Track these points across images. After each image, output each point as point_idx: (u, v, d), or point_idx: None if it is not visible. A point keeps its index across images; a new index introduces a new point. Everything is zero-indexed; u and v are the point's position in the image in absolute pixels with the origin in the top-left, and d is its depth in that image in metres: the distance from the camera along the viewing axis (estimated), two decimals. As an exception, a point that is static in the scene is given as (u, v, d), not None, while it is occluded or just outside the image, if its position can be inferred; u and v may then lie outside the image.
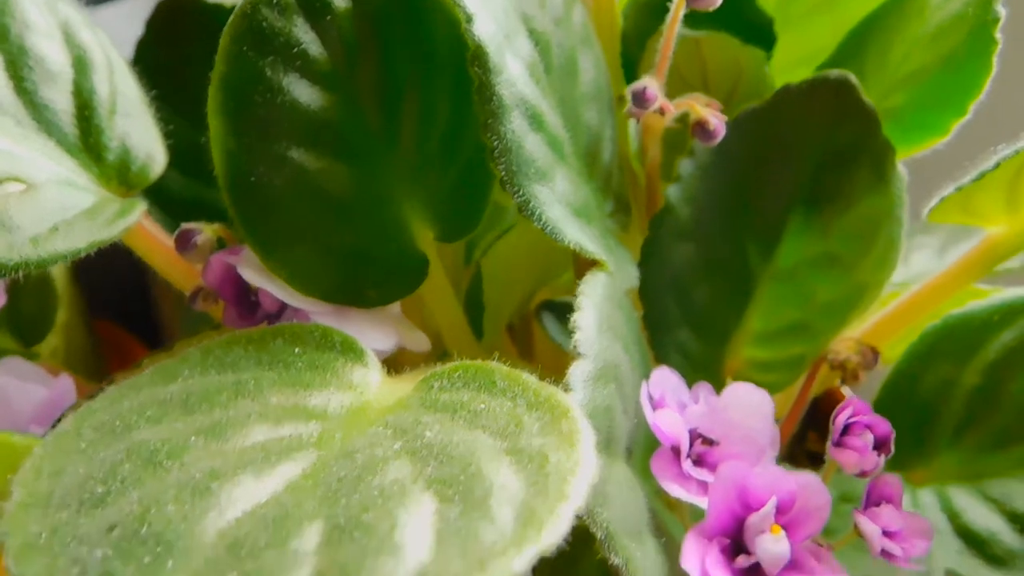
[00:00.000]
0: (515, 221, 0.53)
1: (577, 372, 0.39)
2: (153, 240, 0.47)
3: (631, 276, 0.50)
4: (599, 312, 0.42)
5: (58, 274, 0.63)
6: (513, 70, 0.44)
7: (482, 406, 0.38)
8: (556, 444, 0.35)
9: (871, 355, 0.57)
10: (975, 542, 0.53)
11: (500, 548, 0.31)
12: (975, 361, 0.56)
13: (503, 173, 0.43)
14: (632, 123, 0.57)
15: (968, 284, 0.55)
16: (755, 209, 0.54)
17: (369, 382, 0.40)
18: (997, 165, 0.46)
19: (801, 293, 0.55)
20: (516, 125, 0.44)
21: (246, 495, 0.33)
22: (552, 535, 0.32)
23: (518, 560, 0.31)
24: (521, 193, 0.44)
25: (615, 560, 0.38)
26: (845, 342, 0.57)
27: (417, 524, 0.32)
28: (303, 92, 0.42)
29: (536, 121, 0.45)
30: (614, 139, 0.54)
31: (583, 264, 0.47)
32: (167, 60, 0.56)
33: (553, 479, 0.33)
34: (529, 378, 0.39)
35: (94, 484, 0.34)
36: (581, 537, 0.51)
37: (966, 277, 0.54)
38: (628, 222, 0.54)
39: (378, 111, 0.44)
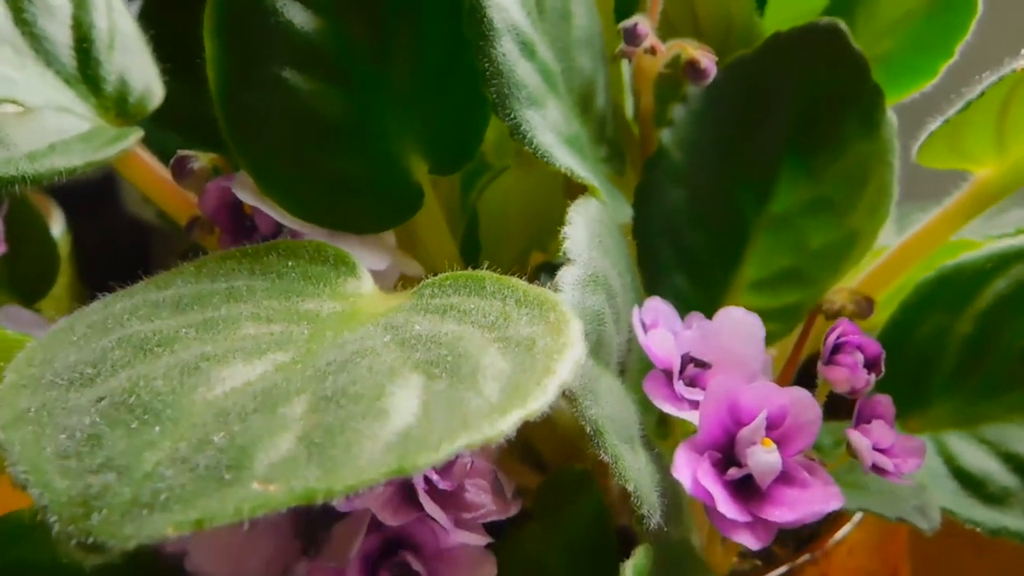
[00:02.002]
0: (510, 162, 0.53)
1: (566, 275, 0.40)
2: (149, 170, 0.47)
3: (624, 212, 0.50)
4: (590, 228, 0.43)
5: (60, 240, 0.64)
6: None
7: (472, 306, 0.38)
8: (544, 332, 0.35)
9: (866, 304, 0.57)
10: (970, 483, 0.53)
11: (485, 412, 0.31)
12: (969, 310, 0.56)
13: (495, 96, 0.44)
14: (626, 74, 0.58)
15: (959, 228, 0.55)
16: (748, 155, 0.54)
17: (362, 292, 0.41)
18: (982, 93, 0.47)
19: (795, 239, 0.55)
20: (507, 49, 0.44)
21: (235, 375, 0.34)
22: (537, 404, 0.32)
23: (502, 422, 0.31)
24: (512, 117, 0.44)
25: (604, 458, 0.38)
26: (840, 292, 0.57)
27: (404, 394, 0.32)
28: (297, 15, 0.43)
29: (527, 49, 0.46)
30: (607, 88, 0.54)
31: (575, 193, 0.47)
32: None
33: (540, 358, 0.34)
34: (518, 281, 0.39)
35: (84, 367, 0.34)
36: (576, 479, 0.52)
37: (956, 221, 0.55)
38: (623, 169, 0.55)
39: (370, 38, 0.45)
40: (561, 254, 0.41)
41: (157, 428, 0.31)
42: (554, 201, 0.55)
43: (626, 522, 0.56)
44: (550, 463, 0.58)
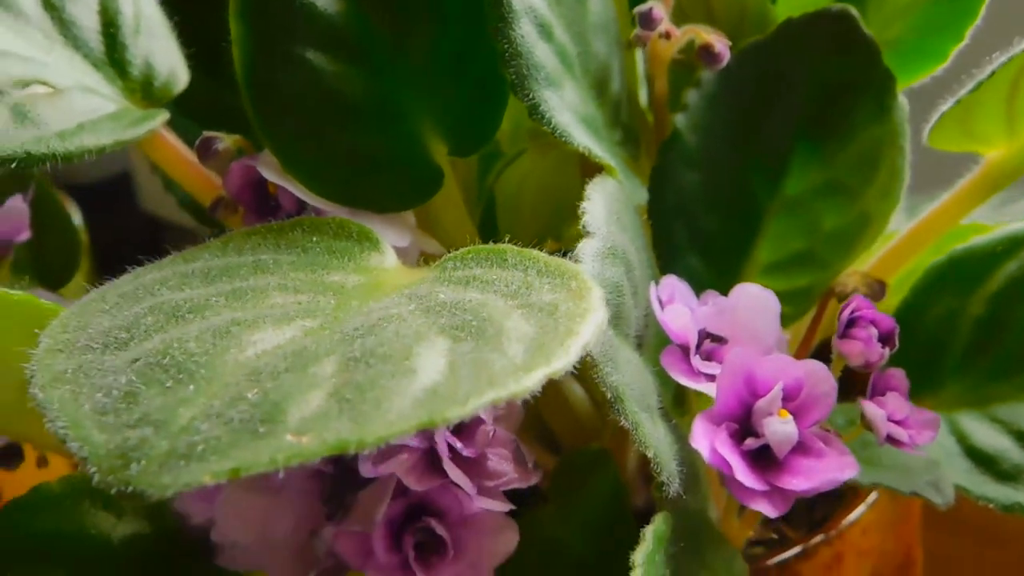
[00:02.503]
0: (526, 146, 0.54)
1: (586, 247, 0.40)
2: (174, 152, 0.48)
3: (639, 194, 0.51)
4: (608, 204, 0.44)
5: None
6: (522, -20, 0.46)
7: (494, 276, 0.39)
8: (566, 298, 0.36)
9: (878, 287, 0.57)
10: (983, 460, 0.54)
11: (510, 371, 0.32)
12: (980, 292, 0.57)
13: (514, 76, 0.45)
14: (639, 63, 0.58)
15: (970, 211, 0.56)
16: (761, 139, 0.55)
17: (385, 266, 0.42)
18: (993, 73, 0.47)
19: (808, 222, 0.56)
20: (526, 31, 0.45)
21: (265, 338, 0.34)
22: (561, 363, 0.32)
23: (527, 379, 0.31)
24: (531, 96, 0.45)
25: (624, 423, 0.39)
26: (853, 275, 0.58)
27: (430, 355, 0.33)
28: (320, -2, 0.44)
29: (545, 31, 0.47)
30: (622, 73, 0.55)
31: (591, 176, 0.48)
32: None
33: (563, 321, 0.35)
34: (539, 253, 0.40)
35: (118, 331, 0.35)
36: (592, 458, 0.53)
37: (967, 204, 0.55)
38: (637, 154, 0.55)
39: (390, 20, 0.46)
40: (580, 227, 0.41)
41: (191, 386, 0.32)
42: (569, 185, 0.56)
43: (641, 503, 0.57)
44: (565, 445, 0.59)
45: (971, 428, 0.55)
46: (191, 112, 0.54)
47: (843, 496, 0.60)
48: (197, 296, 0.37)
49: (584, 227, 0.41)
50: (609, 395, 0.39)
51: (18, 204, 0.52)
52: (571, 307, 0.35)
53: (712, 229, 0.55)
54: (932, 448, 0.54)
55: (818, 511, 0.61)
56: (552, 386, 0.60)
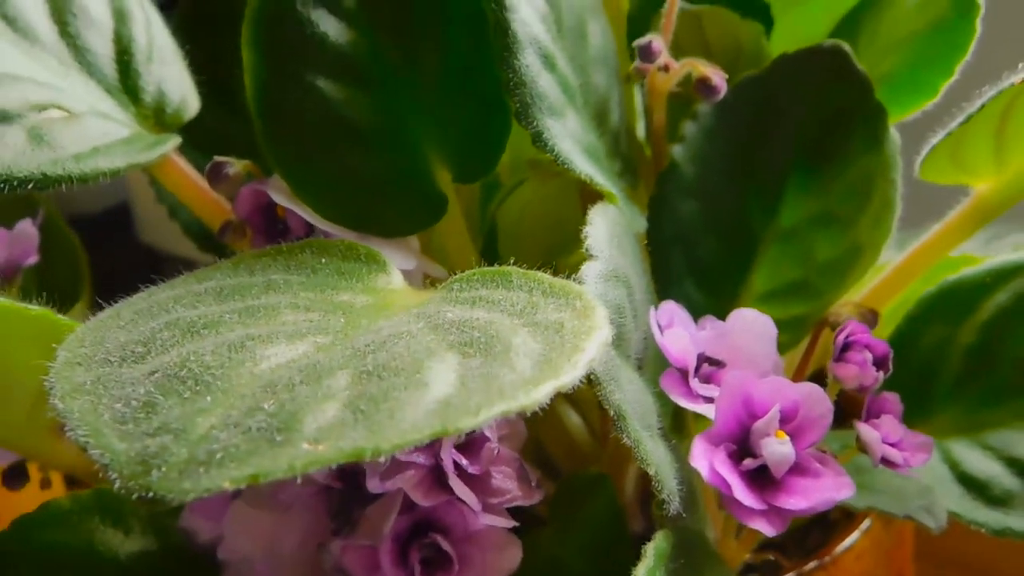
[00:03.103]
0: (527, 175, 0.55)
1: (590, 269, 0.41)
2: (184, 176, 0.49)
3: (638, 223, 0.52)
4: (609, 228, 0.45)
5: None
6: (527, 13, 0.47)
7: (500, 297, 0.40)
8: (571, 316, 0.37)
9: (871, 317, 0.58)
10: (975, 486, 0.54)
11: (519, 384, 0.33)
12: (971, 321, 0.58)
13: (518, 105, 0.46)
14: (637, 98, 0.60)
15: (959, 243, 0.57)
16: (756, 170, 0.56)
17: (393, 288, 0.43)
18: (983, 106, 0.49)
19: (802, 252, 0.57)
20: (530, 61, 0.46)
21: (279, 353, 0.35)
22: (568, 377, 0.33)
23: (536, 392, 0.32)
24: (535, 125, 0.46)
25: (626, 441, 0.40)
26: (846, 305, 0.59)
27: (441, 369, 0.34)
28: (330, 26, 0.46)
29: (548, 62, 0.48)
30: (621, 106, 0.57)
31: (592, 202, 0.49)
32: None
33: (569, 338, 0.35)
34: (544, 275, 0.41)
35: (135, 346, 0.36)
36: (591, 481, 0.53)
37: (957, 236, 0.57)
38: (636, 184, 0.57)
39: (397, 50, 0.47)
40: (583, 250, 0.42)
41: (208, 397, 0.33)
42: (570, 214, 0.57)
43: (638, 529, 0.58)
44: (563, 471, 0.60)
45: (963, 455, 0.56)
46: (199, 142, 0.55)
47: (836, 524, 0.61)
48: (211, 313, 0.38)
49: (587, 249, 0.42)
50: (612, 413, 0.39)
51: (28, 228, 0.53)
52: (576, 325, 0.36)
53: (709, 258, 0.56)
54: (925, 474, 0.55)
55: (812, 539, 0.62)
56: (550, 413, 0.62)
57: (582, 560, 0.51)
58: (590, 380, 0.47)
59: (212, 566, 0.44)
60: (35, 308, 0.39)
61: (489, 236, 0.55)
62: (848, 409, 0.51)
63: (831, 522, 0.62)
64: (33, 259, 0.55)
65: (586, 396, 0.63)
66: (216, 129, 0.55)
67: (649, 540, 0.45)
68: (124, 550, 0.44)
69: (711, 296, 0.56)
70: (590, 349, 0.35)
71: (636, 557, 0.50)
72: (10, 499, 0.55)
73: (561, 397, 0.64)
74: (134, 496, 0.29)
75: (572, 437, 0.62)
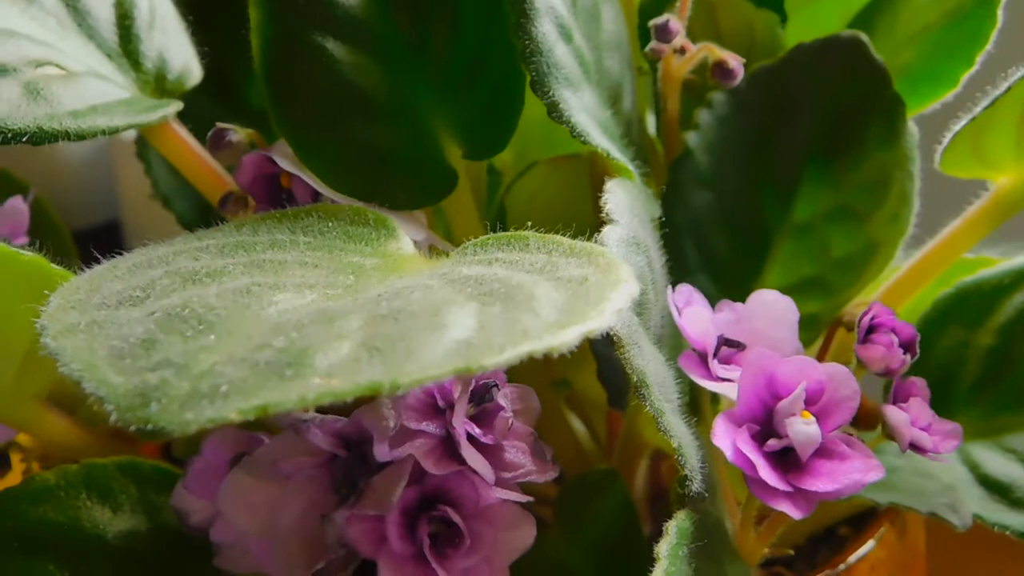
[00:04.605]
0: (537, 158, 0.54)
1: (611, 233, 0.40)
2: (184, 144, 0.47)
3: (653, 207, 0.51)
4: (628, 198, 0.43)
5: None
6: (543, -18, 0.46)
7: (517, 258, 0.38)
8: (595, 272, 0.35)
9: (886, 316, 0.57)
10: (996, 489, 0.53)
11: (545, 327, 0.31)
12: (988, 323, 0.57)
13: (533, 75, 0.45)
14: (649, 89, 0.58)
15: (977, 240, 0.55)
16: (771, 161, 0.55)
17: (403, 253, 0.41)
18: (1008, 90, 0.48)
19: (817, 247, 0.55)
20: (546, 29, 0.45)
21: (287, 299, 0.33)
22: (594, 323, 0.31)
23: (563, 334, 0.30)
24: (551, 95, 0.45)
25: (649, 409, 0.38)
26: (860, 305, 0.57)
27: (460, 313, 0.32)
28: (341, -12, 0.44)
29: (565, 32, 0.46)
30: (634, 94, 0.55)
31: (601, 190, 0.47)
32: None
33: (594, 290, 0.34)
34: (562, 238, 0.39)
35: (132, 291, 0.34)
36: (600, 478, 0.51)
37: (974, 232, 0.55)
38: (648, 172, 0.55)
39: (410, 15, 0.45)
40: (604, 215, 0.41)
41: (212, 336, 0.30)
42: (579, 203, 0.56)
43: (648, 531, 0.55)
44: (568, 476, 0.58)
45: (983, 457, 0.54)
46: (194, 133, 0.53)
47: (846, 540, 0.59)
48: (214, 264, 0.36)
49: (608, 215, 0.41)
50: (634, 378, 0.37)
51: (18, 204, 0.51)
52: (601, 278, 0.34)
53: (723, 250, 0.54)
54: (944, 476, 0.53)
55: (820, 556, 0.59)
56: (555, 419, 0.59)
57: (591, 560, 0.49)
58: (612, 342, 0.45)
59: (204, 549, 0.41)
60: (28, 253, 0.37)
61: (496, 222, 0.54)
62: (861, 418, 0.49)
63: (840, 538, 0.60)
64: (23, 239, 0.53)
65: (592, 399, 0.61)
66: (211, 120, 0.53)
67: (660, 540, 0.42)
68: (112, 528, 0.41)
69: (724, 290, 0.54)
70: (617, 299, 0.33)
71: (648, 557, 0.48)
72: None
73: (565, 404, 0.62)
74: (132, 428, 0.27)
75: (577, 444, 0.60)
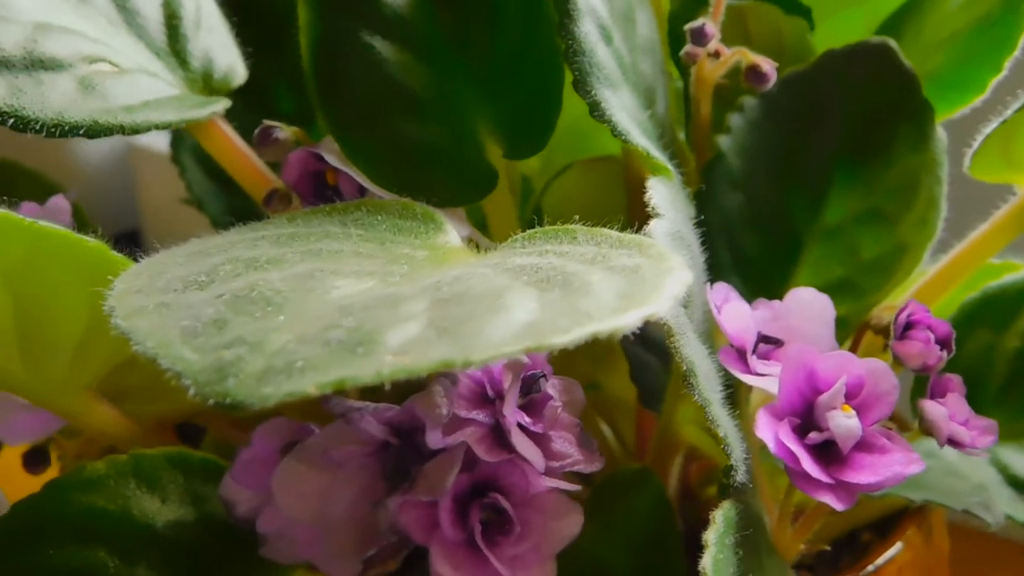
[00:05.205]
0: (572, 161, 0.54)
1: (657, 226, 0.40)
2: (229, 142, 0.48)
3: (689, 208, 0.51)
4: (670, 194, 0.44)
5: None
6: (585, -16, 0.47)
7: (567, 250, 0.38)
8: (647, 262, 0.36)
9: (914, 320, 0.57)
10: (1026, 489, 0.53)
11: (606, 310, 0.31)
12: (1015, 326, 0.57)
13: (576, 74, 0.45)
14: (680, 98, 0.59)
15: (1004, 244, 0.56)
16: (802, 165, 0.56)
17: (452, 246, 0.41)
18: (1039, 93, 0.48)
19: (847, 249, 0.56)
20: (589, 29, 0.46)
21: (349, 285, 0.34)
22: (654, 308, 0.32)
23: (625, 316, 0.31)
24: (593, 94, 0.45)
25: (697, 399, 0.38)
26: (888, 309, 0.58)
27: (521, 297, 0.32)
28: (388, -12, 0.45)
29: (606, 34, 0.47)
30: (666, 99, 0.56)
31: (635, 192, 0.48)
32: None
33: (649, 278, 0.34)
34: (609, 231, 0.39)
35: (197, 276, 0.34)
36: (634, 475, 0.52)
37: (1001, 237, 0.56)
38: (684, 173, 0.56)
39: (453, 15, 0.46)
40: (649, 210, 0.41)
41: (281, 317, 0.31)
42: (613, 205, 0.56)
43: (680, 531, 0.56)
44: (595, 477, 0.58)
45: (1011, 460, 0.55)
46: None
47: (869, 546, 0.59)
48: (272, 253, 0.36)
49: (653, 209, 0.41)
50: (683, 368, 0.38)
51: (61, 203, 0.52)
52: (655, 266, 0.35)
53: (754, 252, 0.55)
54: (975, 475, 0.53)
55: (843, 562, 0.60)
56: (583, 419, 0.60)
57: (628, 556, 0.50)
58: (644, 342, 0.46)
59: (250, 539, 0.42)
60: (92, 240, 0.38)
61: (531, 223, 0.54)
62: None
63: (863, 544, 0.61)
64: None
65: (622, 401, 0.62)
66: (245, 122, 0.54)
67: (694, 539, 0.43)
68: (160, 518, 0.42)
69: (755, 290, 0.55)
70: (672, 285, 0.33)
71: (684, 553, 0.49)
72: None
73: (593, 409, 0.63)
74: (210, 402, 0.28)
75: (607, 449, 0.60)
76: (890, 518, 0.58)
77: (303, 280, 0.33)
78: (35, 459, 0.51)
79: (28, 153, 0.62)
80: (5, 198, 0.39)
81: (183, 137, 0.62)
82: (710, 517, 0.39)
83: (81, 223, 0.60)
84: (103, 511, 0.41)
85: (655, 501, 0.50)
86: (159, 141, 1.00)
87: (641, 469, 0.52)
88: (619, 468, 0.55)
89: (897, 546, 0.56)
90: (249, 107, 0.56)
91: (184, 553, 0.42)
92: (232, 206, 0.61)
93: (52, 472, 0.53)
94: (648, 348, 0.56)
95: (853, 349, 0.57)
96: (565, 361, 0.42)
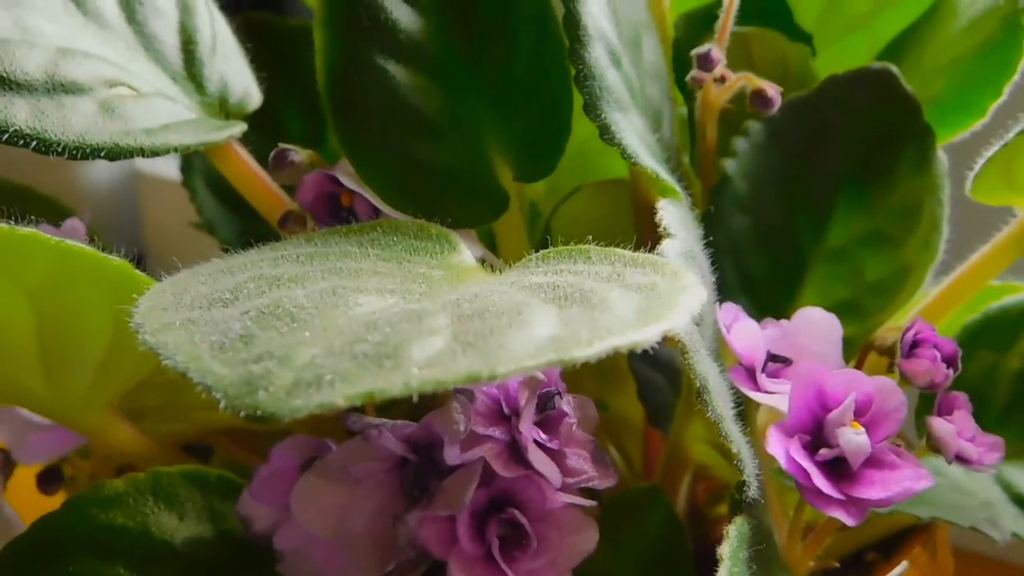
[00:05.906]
0: (580, 184, 0.55)
1: (669, 246, 0.41)
2: (244, 165, 0.49)
3: (698, 228, 0.52)
4: (681, 215, 0.44)
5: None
6: (597, 9, 0.47)
7: (582, 269, 0.39)
8: (663, 280, 0.37)
9: (918, 341, 0.58)
10: (1031, 507, 0.54)
11: (626, 324, 0.32)
12: (1016, 347, 0.58)
13: (587, 97, 0.46)
14: (685, 124, 0.60)
15: (1004, 266, 0.57)
16: (806, 188, 0.56)
17: (467, 265, 0.42)
18: (1041, 116, 0.49)
19: (851, 271, 0.57)
20: (599, 54, 0.47)
21: (371, 302, 0.34)
22: (672, 323, 0.33)
23: (645, 331, 0.32)
24: (603, 118, 0.46)
25: (710, 415, 0.39)
26: (891, 330, 0.59)
27: (541, 312, 0.33)
28: (403, 13, 0.46)
29: (615, 59, 0.48)
30: (672, 124, 0.57)
31: (644, 216, 0.49)
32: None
33: (666, 294, 0.35)
34: (623, 250, 0.40)
35: (221, 294, 0.35)
36: (644, 494, 0.52)
37: (1002, 260, 0.56)
38: (691, 195, 0.57)
39: (467, 39, 0.47)
40: (661, 230, 0.42)
41: (307, 332, 0.32)
42: (622, 227, 0.57)
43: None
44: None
45: (1016, 478, 0.56)
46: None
47: (873, 565, 0.60)
48: (295, 271, 0.37)
49: (665, 229, 0.42)
50: (698, 383, 0.39)
51: (76, 224, 0.52)
52: (670, 284, 0.36)
53: (760, 273, 0.56)
54: (981, 493, 0.54)
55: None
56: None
57: (638, 574, 0.50)
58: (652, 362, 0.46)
59: (267, 555, 0.42)
60: (116, 259, 0.38)
61: (541, 245, 0.55)
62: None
63: (867, 564, 0.61)
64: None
65: (629, 421, 0.62)
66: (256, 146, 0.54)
67: (703, 557, 0.43)
68: (179, 535, 0.42)
69: (762, 311, 0.56)
70: (688, 302, 0.34)
71: (693, 572, 0.49)
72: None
73: (604, 431, 0.63)
74: (241, 414, 0.28)
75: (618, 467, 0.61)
76: (895, 538, 0.58)
77: (327, 296, 0.34)
78: (49, 479, 0.51)
79: (34, 179, 0.62)
80: (32, 217, 0.39)
81: (193, 162, 0.63)
82: (722, 533, 0.39)
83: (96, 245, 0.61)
84: (122, 528, 0.41)
85: (665, 519, 0.50)
86: (165, 167, 1.01)
87: (651, 487, 0.52)
88: (628, 487, 0.56)
89: (903, 565, 0.57)
90: (259, 130, 0.57)
91: (202, 570, 0.42)
92: (242, 229, 0.62)
93: (62, 494, 0.53)
94: (655, 367, 0.57)
95: (857, 369, 0.58)
96: (573, 381, 0.43)
